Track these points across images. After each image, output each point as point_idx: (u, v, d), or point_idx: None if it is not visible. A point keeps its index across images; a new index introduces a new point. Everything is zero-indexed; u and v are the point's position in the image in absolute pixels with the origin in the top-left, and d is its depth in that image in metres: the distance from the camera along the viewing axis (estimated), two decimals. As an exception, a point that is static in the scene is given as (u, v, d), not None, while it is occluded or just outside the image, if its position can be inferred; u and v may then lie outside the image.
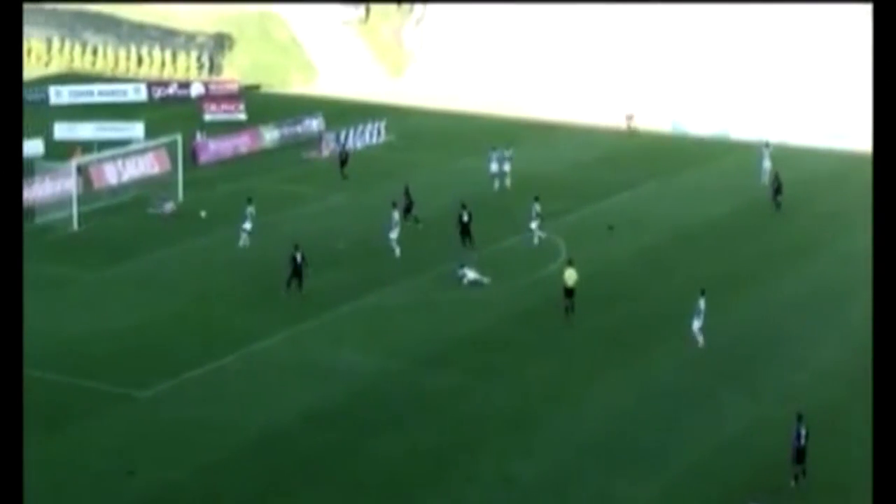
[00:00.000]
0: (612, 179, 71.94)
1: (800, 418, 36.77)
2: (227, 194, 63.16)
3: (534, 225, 58.69)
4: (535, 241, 58.76)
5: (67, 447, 38.51)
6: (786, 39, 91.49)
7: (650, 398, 42.91)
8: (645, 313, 50.76)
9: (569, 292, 49.47)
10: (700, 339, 46.37)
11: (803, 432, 36.53)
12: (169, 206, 63.52)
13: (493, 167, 68.97)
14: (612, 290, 53.07)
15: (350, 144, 77.41)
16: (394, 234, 56.66)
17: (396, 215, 57.33)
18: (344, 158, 71.22)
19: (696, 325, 46.36)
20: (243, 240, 57.63)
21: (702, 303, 46.40)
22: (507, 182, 68.68)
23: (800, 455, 36.57)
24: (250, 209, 57.78)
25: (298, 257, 51.55)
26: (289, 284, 51.52)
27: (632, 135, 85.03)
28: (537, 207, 58.62)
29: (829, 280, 55.74)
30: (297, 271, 51.53)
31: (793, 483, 36.60)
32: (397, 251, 56.42)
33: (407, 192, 61.55)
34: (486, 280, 53.25)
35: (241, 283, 53.24)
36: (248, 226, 57.63)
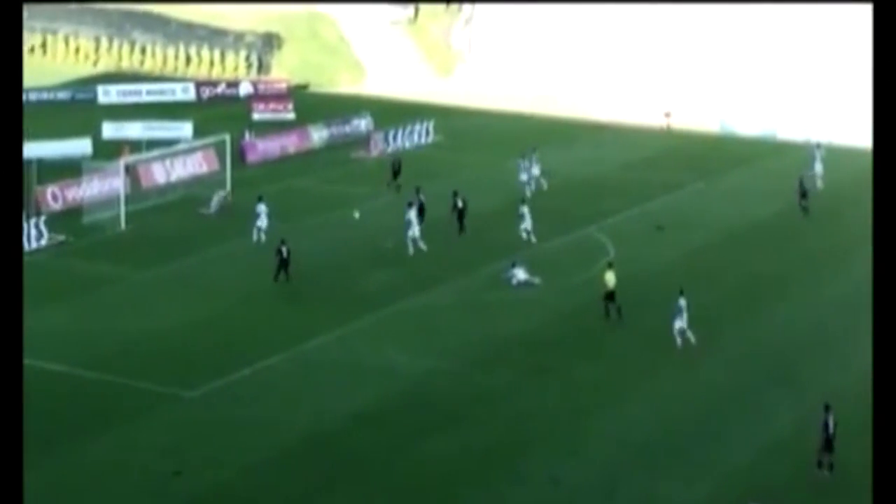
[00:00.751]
0: (660, 180, 71.68)
1: (827, 408, 36.93)
2: (274, 194, 63.18)
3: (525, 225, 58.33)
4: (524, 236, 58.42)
5: (116, 447, 38.61)
6: (834, 39, 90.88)
7: (697, 399, 42.69)
8: (692, 314, 50.25)
9: (610, 295, 49.20)
10: (692, 337, 45.93)
11: (831, 422, 36.62)
12: (217, 201, 63.35)
13: (524, 176, 68.07)
14: (660, 290, 52.58)
15: (398, 145, 77.31)
16: (411, 233, 56.68)
17: (412, 214, 57.22)
18: (397, 169, 69.39)
19: (678, 325, 45.99)
20: (257, 237, 57.79)
21: (682, 301, 46.11)
22: (544, 183, 68.07)
23: (828, 444, 36.72)
24: (261, 206, 58.00)
25: (284, 251, 52.29)
26: (276, 277, 52.26)
27: (668, 132, 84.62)
28: (524, 209, 58.54)
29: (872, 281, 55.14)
30: (283, 263, 52.32)
31: (819, 470, 36.83)
32: (411, 250, 56.38)
33: (418, 193, 61.04)
34: (537, 280, 53.04)
35: (288, 283, 53.16)
36: (261, 223, 57.85)
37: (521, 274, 53.08)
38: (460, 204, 58.93)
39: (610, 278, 49.35)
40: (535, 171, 68.08)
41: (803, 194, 65.09)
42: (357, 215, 60.07)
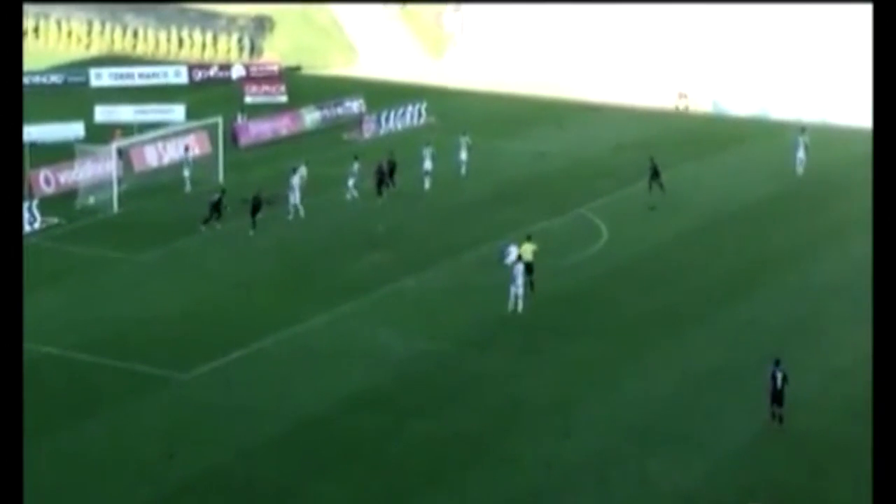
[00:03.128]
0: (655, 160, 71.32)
1: (777, 363, 38.25)
2: (267, 176, 63.08)
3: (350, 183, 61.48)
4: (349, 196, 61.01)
5: (109, 429, 38.63)
6: (825, 17, 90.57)
7: (691, 381, 42.70)
8: (685, 294, 50.54)
9: (528, 267, 48.85)
10: None
11: (779, 375, 37.92)
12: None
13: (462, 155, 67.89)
14: (653, 271, 52.82)
15: (390, 127, 77.14)
16: (350, 183, 60.33)
17: (356, 167, 60.93)
18: (391, 168, 65.11)
19: None
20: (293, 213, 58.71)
21: None
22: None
23: (776, 397, 38.11)
24: (302, 171, 60.03)
25: (216, 197, 54.99)
26: (206, 222, 54.52)
27: (682, 113, 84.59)
28: (356, 167, 61.53)
29: (867, 262, 55.01)
30: (216, 209, 54.73)
31: (771, 420, 38.12)
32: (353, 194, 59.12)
33: (390, 159, 62.82)
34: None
35: (282, 266, 53.24)
36: (295, 198, 59.07)
37: (515, 251, 53.03)
38: (385, 167, 61.07)
39: (526, 249, 49.28)
40: (463, 155, 67.85)
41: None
42: (381, 228, 59.57)
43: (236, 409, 40.06)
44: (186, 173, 63.62)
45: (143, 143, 67.63)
